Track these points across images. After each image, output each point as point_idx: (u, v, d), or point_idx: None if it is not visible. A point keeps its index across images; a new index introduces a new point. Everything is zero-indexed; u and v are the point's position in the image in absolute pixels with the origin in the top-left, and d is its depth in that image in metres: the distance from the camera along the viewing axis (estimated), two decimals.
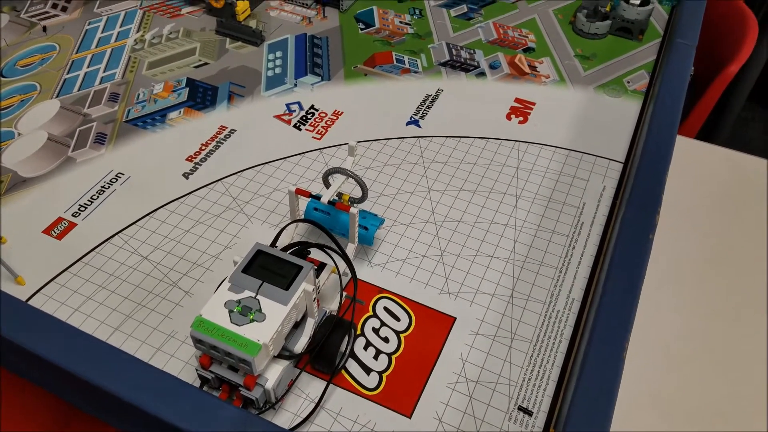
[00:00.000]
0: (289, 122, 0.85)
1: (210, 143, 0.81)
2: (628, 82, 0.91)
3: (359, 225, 0.64)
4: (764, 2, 1.94)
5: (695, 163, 0.92)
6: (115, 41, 0.98)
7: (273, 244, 0.58)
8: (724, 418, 0.69)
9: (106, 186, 0.75)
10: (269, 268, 0.52)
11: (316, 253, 0.61)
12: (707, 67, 1.17)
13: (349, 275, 0.61)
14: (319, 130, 0.83)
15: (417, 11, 1.05)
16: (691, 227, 0.86)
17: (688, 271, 0.81)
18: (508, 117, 0.86)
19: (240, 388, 0.51)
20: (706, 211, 0.88)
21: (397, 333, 0.61)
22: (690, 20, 0.89)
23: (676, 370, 0.72)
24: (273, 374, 0.51)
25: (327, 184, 0.65)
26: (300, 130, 0.83)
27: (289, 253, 0.55)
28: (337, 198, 0.64)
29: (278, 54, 0.96)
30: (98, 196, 0.73)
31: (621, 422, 0.52)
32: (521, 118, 0.85)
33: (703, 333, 0.75)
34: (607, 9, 0.98)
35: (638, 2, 0.95)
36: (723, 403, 0.70)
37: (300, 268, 0.52)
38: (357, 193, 0.65)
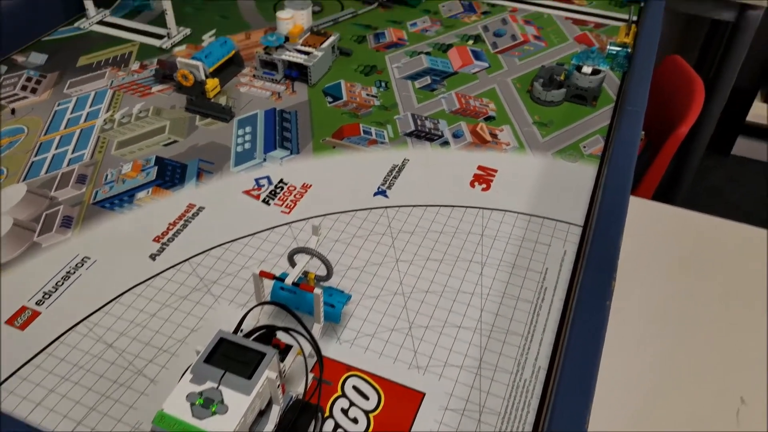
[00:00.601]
0: (258, 197, 0.86)
1: (178, 222, 0.82)
2: (584, 147, 0.94)
3: (325, 303, 0.65)
4: (711, 63, 2.04)
5: (652, 225, 0.94)
6: (85, 121, 1.00)
7: (238, 329, 0.58)
8: None
9: (72, 271, 0.74)
10: (232, 357, 0.52)
11: (282, 334, 0.61)
12: (660, 129, 1.22)
13: (315, 357, 0.61)
14: (288, 204, 0.85)
15: (383, 84, 1.08)
16: (651, 288, 0.88)
17: (647, 331, 0.82)
18: (472, 184, 0.88)
19: None
20: (665, 271, 0.90)
21: (366, 413, 0.61)
22: (637, 87, 0.92)
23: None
24: None
25: (292, 264, 0.66)
26: (269, 204, 0.84)
27: (254, 337, 0.55)
28: (303, 277, 0.65)
29: (248, 129, 0.98)
30: (63, 282, 0.73)
31: None
32: (484, 185, 0.87)
33: (666, 393, 0.76)
34: (562, 78, 1.02)
35: (590, 71, 0.99)
36: None
37: (263, 355, 0.52)
38: (323, 271, 0.66)
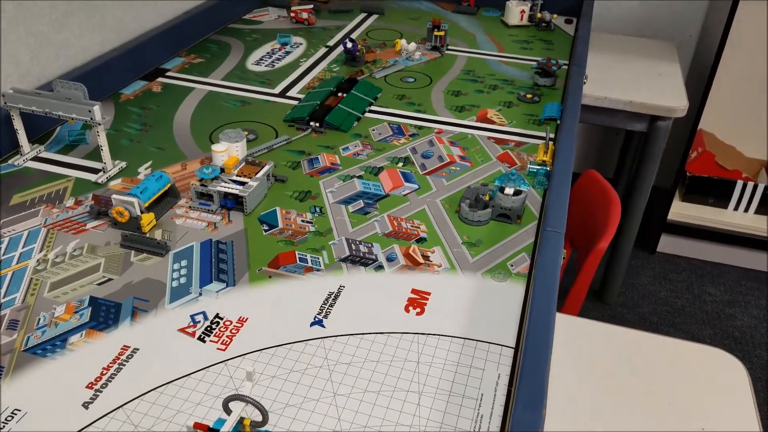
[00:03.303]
0: (193, 335, 0.86)
1: (111, 366, 0.81)
2: (512, 266, 0.98)
3: None
4: (631, 168, 2.20)
5: (579, 340, 0.98)
6: (17, 263, 0.99)
7: None
8: None
9: (1, 426, 0.72)
10: None
11: None
12: (585, 240, 1.29)
13: None
14: (224, 340, 0.85)
15: (317, 209, 1.12)
16: (583, 404, 0.90)
17: None
18: (407, 309, 0.90)
19: None
20: (598, 387, 0.93)
21: None
22: (556, 208, 0.99)
23: None
24: None
25: (227, 411, 0.66)
26: (204, 342, 0.85)
27: None
28: (238, 425, 0.65)
29: (183, 263, 0.99)
30: None
31: None
32: (418, 309, 0.90)
33: None
34: (487, 198, 1.08)
35: (512, 192, 1.06)
36: None
37: None
38: (258, 416, 0.66)
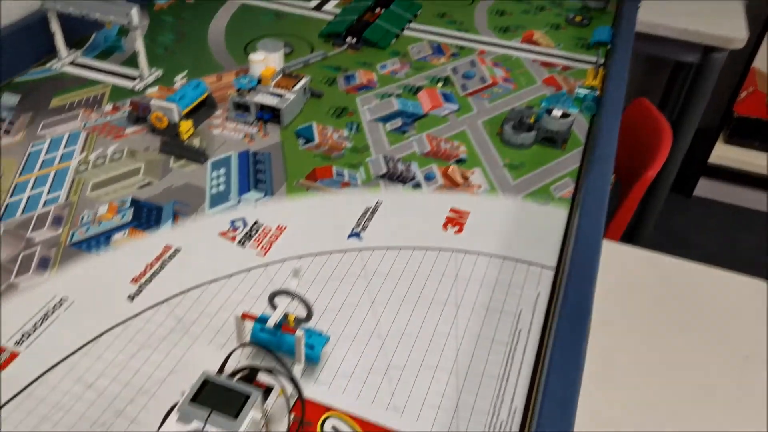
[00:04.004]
0: (233, 239, 0.87)
1: (155, 263, 0.82)
2: (555, 190, 0.97)
3: (305, 344, 0.66)
4: (675, 105, 2.12)
5: (621, 266, 0.98)
6: (59, 163, 1.00)
7: (220, 370, 0.59)
8: None
9: (50, 312, 0.74)
10: (217, 397, 0.53)
11: (263, 375, 0.62)
12: (628, 171, 1.27)
13: (296, 397, 0.62)
14: (263, 246, 0.86)
15: (354, 126, 1.11)
16: (622, 329, 0.91)
17: (620, 373, 0.85)
18: (445, 227, 0.90)
19: None
20: (635, 313, 0.93)
21: None
22: (607, 131, 0.97)
23: None
24: None
25: (273, 306, 0.67)
26: (244, 246, 0.85)
27: (237, 379, 0.56)
28: (283, 319, 0.66)
29: (222, 171, 0.99)
30: (42, 323, 0.73)
31: None
32: (457, 228, 0.90)
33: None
34: (532, 121, 1.06)
35: (560, 115, 1.03)
36: None
37: (248, 395, 0.53)
38: (302, 312, 0.67)
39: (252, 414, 0.52)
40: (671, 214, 2.31)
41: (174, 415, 0.52)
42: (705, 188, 2.36)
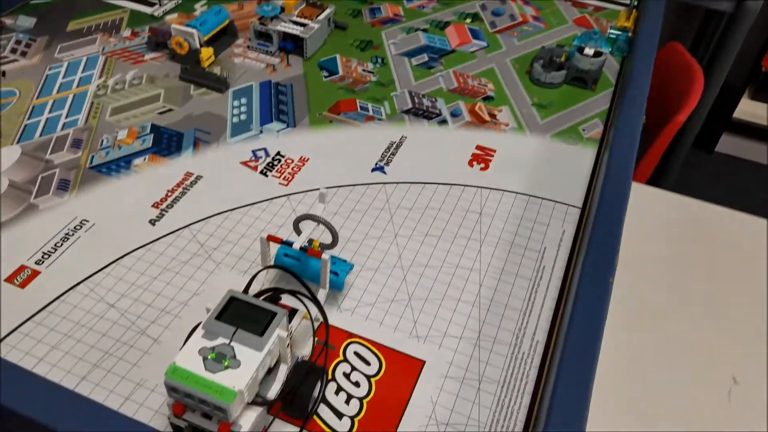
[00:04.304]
0: (255, 168, 0.85)
1: (176, 189, 0.81)
2: (583, 130, 0.95)
3: (330, 270, 0.65)
4: (704, 55, 2.05)
5: (648, 208, 0.96)
6: (77, 87, 0.98)
7: (245, 291, 0.59)
8: None
9: (71, 233, 0.74)
10: (243, 315, 0.52)
11: (286, 299, 0.62)
12: (656, 115, 1.23)
13: (320, 320, 0.62)
14: (285, 176, 0.84)
15: (379, 60, 1.08)
16: (646, 270, 0.90)
17: (643, 312, 0.84)
18: (470, 164, 0.88)
19: None
20: (660, 255, 0.92)
21: (368, 377, 0.62)
22: (640, 72, 0.94)
23: (634, 411, 0.74)
24: (247, 421, 0.51)
25: (298, 231, 0.66)
26: (266, 176, 0.84)
27: (262, 300, 0.55)
28: (307, 244, 0.65)
29: (243, 101, 0.97)
30: (62, 244, 0.72)
31: None
32: (483, 165, 0.88)
33: (662, 374, 0.78)
34: (562, 59, 1.03)
35: (592, 53, 1.00)
36: None
37: (274, 314, 0.53)
38: (326, 239, 0.66)
39: (278, 332, 0.51)
40: (692, 169, 2.27)
41: (199, 332, 0.52)
42: (728, 144, 2.31)
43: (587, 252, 0.65)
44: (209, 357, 0.50)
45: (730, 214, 0.95)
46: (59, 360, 0.60)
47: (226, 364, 0.49)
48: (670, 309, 0.85)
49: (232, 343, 0.51)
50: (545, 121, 0.97)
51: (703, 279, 0.87)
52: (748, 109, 2.19)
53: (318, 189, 0.82)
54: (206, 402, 0.48)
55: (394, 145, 0.91)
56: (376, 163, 0.87)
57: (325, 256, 0.62)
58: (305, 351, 0.59)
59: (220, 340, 0.51)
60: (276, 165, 0.86)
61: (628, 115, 0.85)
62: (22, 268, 0.69)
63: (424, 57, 1.09)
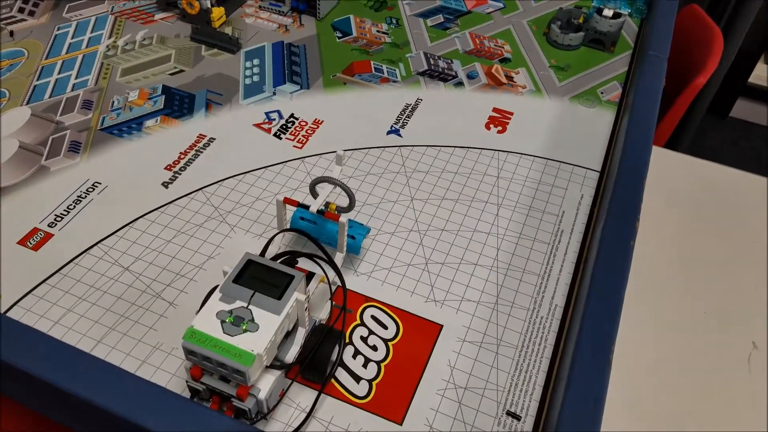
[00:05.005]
0: (269, 131, 0.84)
1: (189, 152, 0.80)
2: (602, 93, 0.93)
3: (347, 234, 0.64)
4: (720, 18, 2.00)
5: (666, 172, 0.94)
6: (86, 47, 0.97)
7: (262, 254, 0.58)
8: (701, 425, 0.70)
9: (83, 195, 0.73)
10: (260, 278, 0.52)
11: (303, 263, 0.61)
12: (672, 78, 1.21)
13: (336, 284, 0.61)
14: (299, 138, 0.83)
15: (394, 20, 1.05)
16: (664, 234, 0.88)
17: (660, 276, 0.83)
18: (487, 126, 0.87)
19: (232, 399, 0.50)
20: (678, 219, 0.90)
21: (385, 341, 0.61)
22: (661, 33, 0.91)
23: (654, 376, 0.74)
24: (265, 384, 0.51)
25: (314, 194, 0.65)
26: (280, 138, 0.83)
27: (279, 263, 0.54)
28: (324, 207, 0.64)
29: (255, 62, 0.96)
30: (75, 206, 0.72)
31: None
32: (500, 128, 0.86)
33: (680, 338, 0.77)
34: (580, 21, 1.00)
35: (611, 15, 0.97)
36: (703, 407, 0.72)
37: (292, 277, 0.52)
38: (342, 202, 0.65)
39: (296, 295, 0.51)
40: (705, 134, 2.24)
41: (216, 295, 0.51)
42: (742, 109, 2.27)
43: (608, 215, 0.64)
44: (227, 320, 0.49)
45: (747, 177, 0.93)
46: (74, 323, 0.60)
47: (244, 327, 0.49)
48: (687, 273, 0.84)
49: (250, 307, 0.50)
50: (563, 83, 0.94)
51: (718, 244, 0.86)
52: (763, 74, 2.15)
53: (334, 152, 0.81)
54: (225, 365, 0.48)
55: (410, 108, 0.89)
56: (392, 126, 0.86)
57: (343, 219, 0.61)
58: (322, 315, 0.58)
59: (238, 304, 0.50)
60: (290, 127, 0.85)
61: (649, 78, 0.83)
62: (34, 230, 0.69)
63: (440, 18, 1.07)
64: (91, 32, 1.00)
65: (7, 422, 0.66)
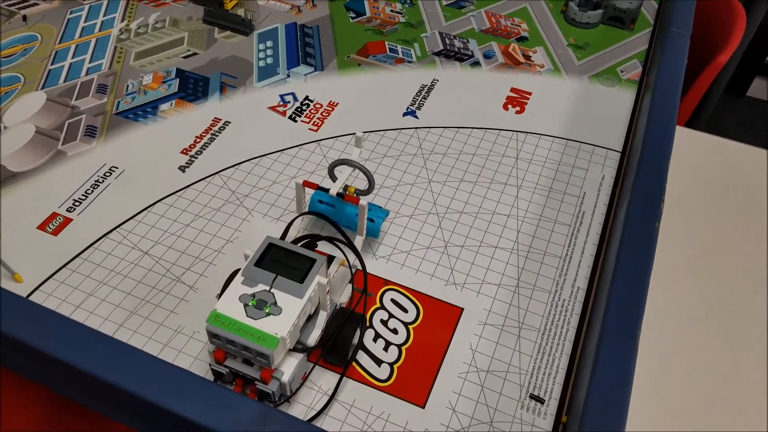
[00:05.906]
0: (284, 114, 0.83)
1: (204, 136, 0.79)
2: (622, 72, 0.91)
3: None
4: None
5: (687, 151, 0.93)
6: (99, 31, 0.96)
7: (282, 237, 0.57)
8: (726, 409, 0.70)
9: (100, 180, 0.73)
10: (282, 262, 0.51)
11: (322, 246, 0.61)
12: (692, 56, 1.18)
13: (356, 267, 0.61)
14: (315, 121, 0.82)
15: (408, 0, 1.04)
16: (687, 215, 0.87)
17: (684, 260, 0.82)
18: (505, 107, 0.86)
19: (255, 382, 0.50)
20: (700, 199, 0.89)
21: (406, 324, 0.61)
22: (683, 9, 0.89)
23: (677, 360, 0.73)
24: (288, 367, 0.50)
25: (333, 177, 0.64)
26: (296, 121, 0.82)
27: (299, 246, 0.54)
28: (343, 191, 0.63)
29: (269, 44, 0.95)
30: (93, 191, 0.71)
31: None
32: (518, 108, 0.85)
33: (704, 322, 0.76)
34: None
35: None
36: (724, 393, 0.71)
37: (313, 260, 0.52)
38: (360, 184, 0.65)
39: (318, 279, 0.50)
40: (722, 114, 2.21)
41: (239, 279, 0.51)
42: (759, 88, 2.24)
43: (632, 196, 0.63)
44: (250, 304, 0.49)
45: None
46: (96, 307, 0.60)
47: (267, 310, 0.49)
48: (707, 252, 0.83)
49: (273, 290, 0.50)
50: (582, 62, 0.93)
51: (745, 225, 0.85)
52: None
53: (350, 134, 0.80)
54: (249, 349, 0.47)
55: (426, 89, 0.88)
56: (408, 108, 0.85)
57: (363, 202, 0.60)
58: (343, 298, 0.58)
59: (260, 287, 0.50)
60: (305, 110, 0.84)
61: (672, 56, 0.81)
62: (53, 215, 0.69)
63: None
64: (104, 16, 0.99)
65: (27, 401, 0.66)
